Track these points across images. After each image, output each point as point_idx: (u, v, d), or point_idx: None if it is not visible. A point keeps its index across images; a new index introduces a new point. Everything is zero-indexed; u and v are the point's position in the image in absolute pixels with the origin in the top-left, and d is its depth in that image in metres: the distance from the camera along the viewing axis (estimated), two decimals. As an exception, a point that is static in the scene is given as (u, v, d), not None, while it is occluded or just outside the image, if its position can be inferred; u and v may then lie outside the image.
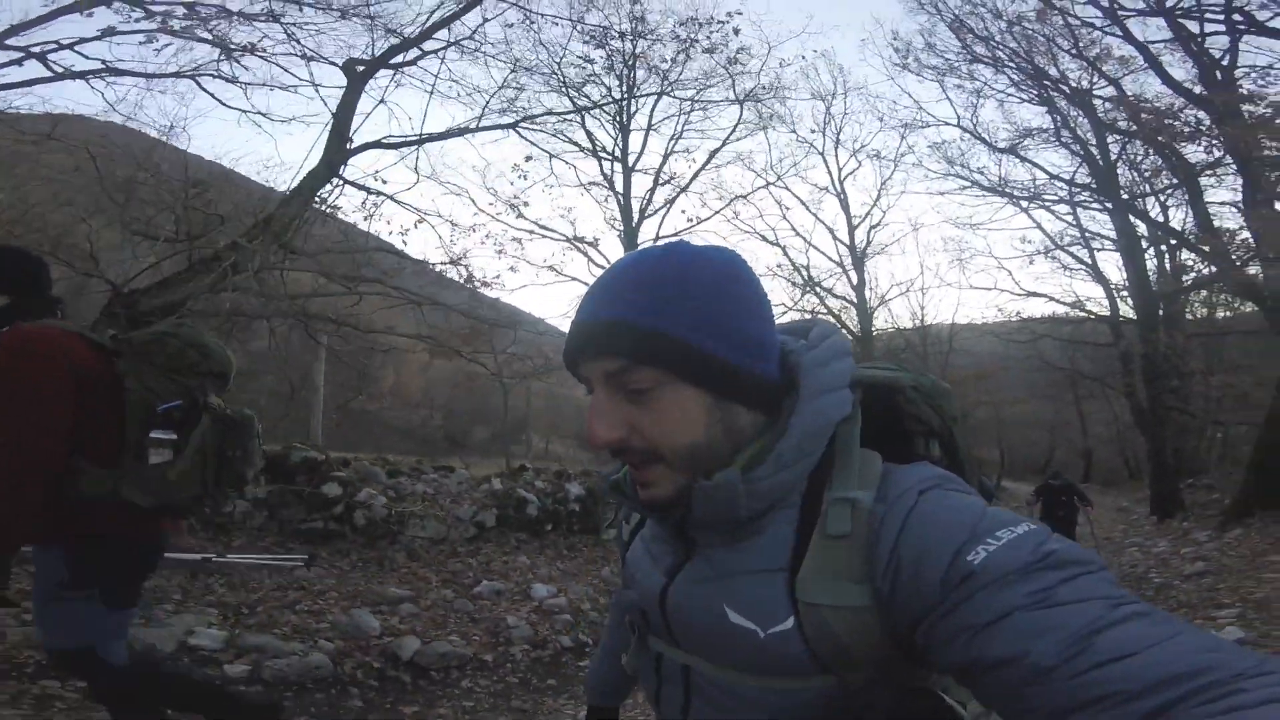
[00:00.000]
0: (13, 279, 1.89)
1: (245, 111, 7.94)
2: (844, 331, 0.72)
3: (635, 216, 13.68)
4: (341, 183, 7.46)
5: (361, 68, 7.53)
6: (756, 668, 0.67)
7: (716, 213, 18.60)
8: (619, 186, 13.66)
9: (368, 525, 6.15)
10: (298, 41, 7.41)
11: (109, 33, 6.80)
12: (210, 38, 6.99)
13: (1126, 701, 0.46)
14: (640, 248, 0.73)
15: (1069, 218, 16.37)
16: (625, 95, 12.40)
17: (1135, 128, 13.29)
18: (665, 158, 13.93)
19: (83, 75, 7.16)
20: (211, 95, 7.59)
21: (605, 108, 12.34)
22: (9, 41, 6.43)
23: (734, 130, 13.88)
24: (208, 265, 5.77)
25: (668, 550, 0.77)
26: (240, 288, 5.87)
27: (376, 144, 7.83)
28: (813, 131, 18.74)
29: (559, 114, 11.12)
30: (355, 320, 7.47)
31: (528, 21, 10.21)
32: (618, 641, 1.02)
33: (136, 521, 1.88)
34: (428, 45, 8.05)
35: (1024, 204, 15.85)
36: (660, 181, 13.37)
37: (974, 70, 14.55)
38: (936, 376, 0.81)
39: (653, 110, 13.48)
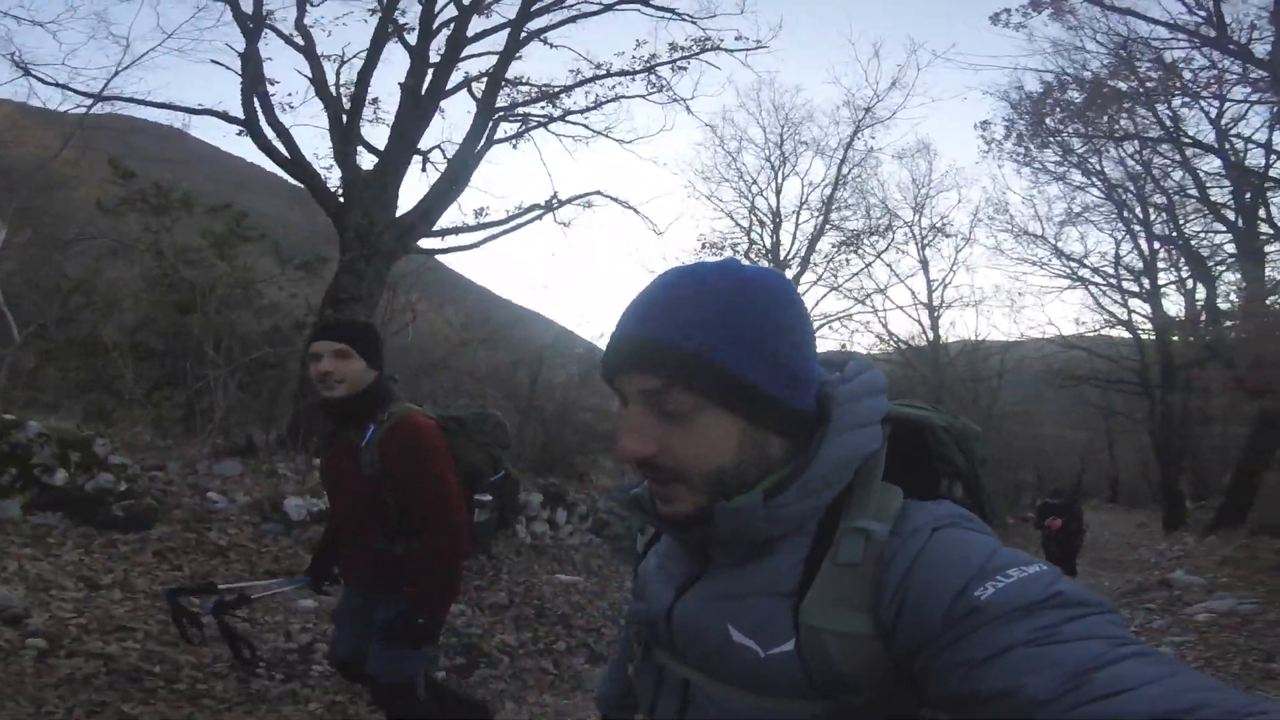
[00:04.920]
0: (380, 355, 2.12)
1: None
2: (877, 368, 0.75)
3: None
4: None
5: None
6: (754, 686, 0.68)
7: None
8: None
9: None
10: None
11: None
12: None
13: None
14: (687, 264, 0.73)
15: (1116, 295, 20.45)
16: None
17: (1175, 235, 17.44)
18: (810, 248, 18.73)
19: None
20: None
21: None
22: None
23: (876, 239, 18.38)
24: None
25: (682, 567, 0.78)
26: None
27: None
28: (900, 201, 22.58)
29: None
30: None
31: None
32: (627, 653, 1.00)
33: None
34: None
35: (1089, 286, 20.10)
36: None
37: (1044, 158, 17.69)
38: (964, 417, 0.85)
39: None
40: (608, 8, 11.18)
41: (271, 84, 9.69)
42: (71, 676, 3.20)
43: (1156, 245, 18.59)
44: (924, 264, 22.94)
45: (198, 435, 7.57)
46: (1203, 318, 17.56)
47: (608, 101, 11.67)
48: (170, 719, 3.13)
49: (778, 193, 18.76)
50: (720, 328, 0.66)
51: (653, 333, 0.67)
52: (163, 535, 4.98)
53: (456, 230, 9.97)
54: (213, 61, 9.81)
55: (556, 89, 10.63)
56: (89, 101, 9.55)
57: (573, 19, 11.12)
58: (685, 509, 0.70)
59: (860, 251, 18.30)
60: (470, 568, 5.78)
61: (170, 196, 10.13)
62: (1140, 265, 19.23)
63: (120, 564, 4.52)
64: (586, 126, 11.68)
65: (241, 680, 3.51)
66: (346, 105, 9.81)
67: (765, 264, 17.61)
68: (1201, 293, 17.80)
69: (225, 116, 9.45)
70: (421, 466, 2.00)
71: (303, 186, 9.50)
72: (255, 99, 9.24)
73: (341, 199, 9.01)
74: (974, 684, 0.55)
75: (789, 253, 18.25)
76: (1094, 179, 18.14)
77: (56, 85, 9.52)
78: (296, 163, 9.30)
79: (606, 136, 11.88)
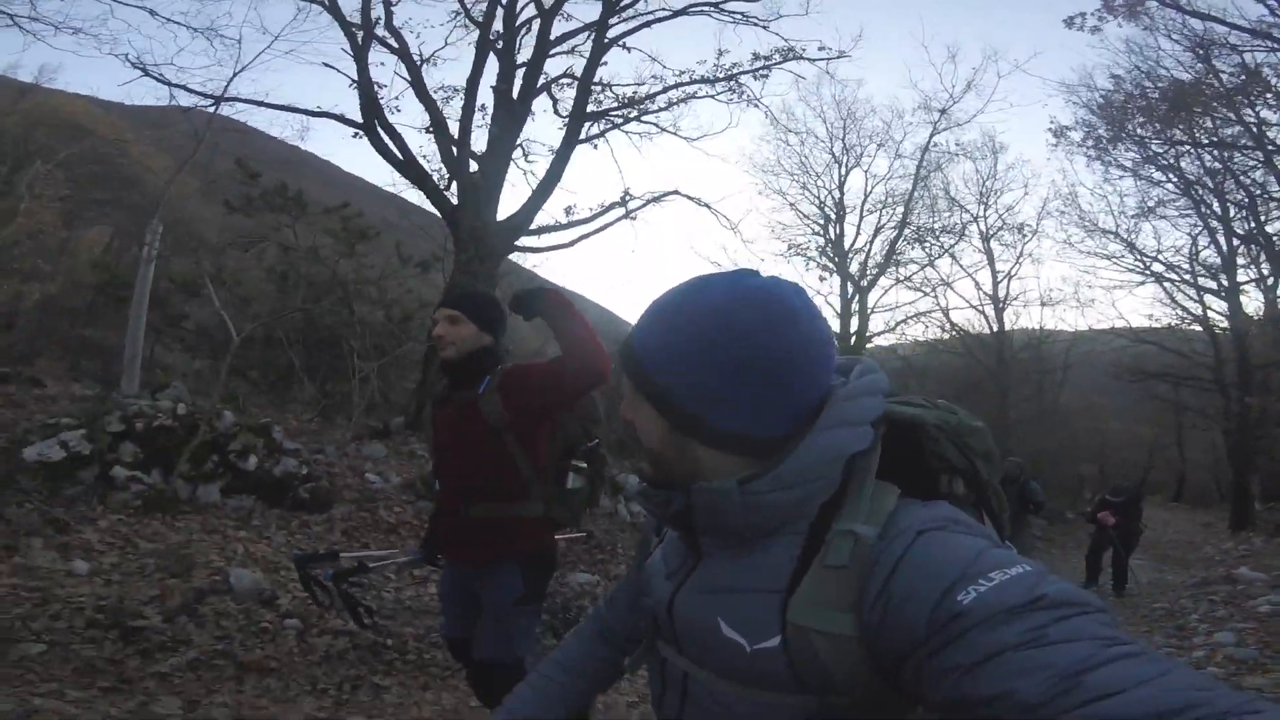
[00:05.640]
0: (494, 323, 2.19)
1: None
2: (882, 372, 0.77)
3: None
4: None
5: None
6: (742, 679, 0.72)
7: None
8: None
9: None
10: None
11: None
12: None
13: None
14: (699, 276, 0.77)
15: (1191, 291, 19.87)
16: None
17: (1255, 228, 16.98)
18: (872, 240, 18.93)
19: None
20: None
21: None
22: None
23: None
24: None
25: (679, 559, 0.83)
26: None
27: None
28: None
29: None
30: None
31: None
32: (574, 655, 1.05)
33: (553, 536, 2.22)
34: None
35: (1163, 282, 19.55)
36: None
37: (1118, 155, 17.08)
38: (963, 411, 0.85)
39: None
40: (679, 13, 11.52)
41: (380, 87, 10.11)
42: (328, 654, 3.52)
43: (1236, 242, 18.07)
44: (989, 255, 22.73)
45: (333, 420, 8.45)
46: (1284, 316, 17.12)
47: (680, 102, 11.84)
48: (410, 687, 3.49)
49: (840, 186, 19.02)
50: (661, 337, 0.73)
51: (632, 329, 0.79)
52: (343, 515, 5.59)
53: (549, 229, 10.45)
54: (324, 65, 10.62)
55: (643, 96, 10.97)
56: (209, 103, 9.54)
57: (648, 24, 11.51)
58: (645, 475, 0.81)
59: (927, 246, 18.44)
60: (586, 542, 6.24)
61: (286, 196, 11.06)
62: (1218, 261, 18.73)
63: (318, 544, 4.96)
64: (655, 124, 11.85)
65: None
66: (445, 110, 10.31)
67: (829, 259, 18.71)
68: (1283, 291, 17.35)
69: (343, 119, 9.87)
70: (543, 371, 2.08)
71: (412, 188, 10.16)
72: (368, 103, 9.64)
73: (455, 201, 9.63)
74: (965, 689, 0.55)
75: (852, 246, 18.52)
76: (1170, 174, 17.69)
77: (176, 85, 9.55)
78: (410, 164, 9.75)
79: (674, 134, 12.02)
